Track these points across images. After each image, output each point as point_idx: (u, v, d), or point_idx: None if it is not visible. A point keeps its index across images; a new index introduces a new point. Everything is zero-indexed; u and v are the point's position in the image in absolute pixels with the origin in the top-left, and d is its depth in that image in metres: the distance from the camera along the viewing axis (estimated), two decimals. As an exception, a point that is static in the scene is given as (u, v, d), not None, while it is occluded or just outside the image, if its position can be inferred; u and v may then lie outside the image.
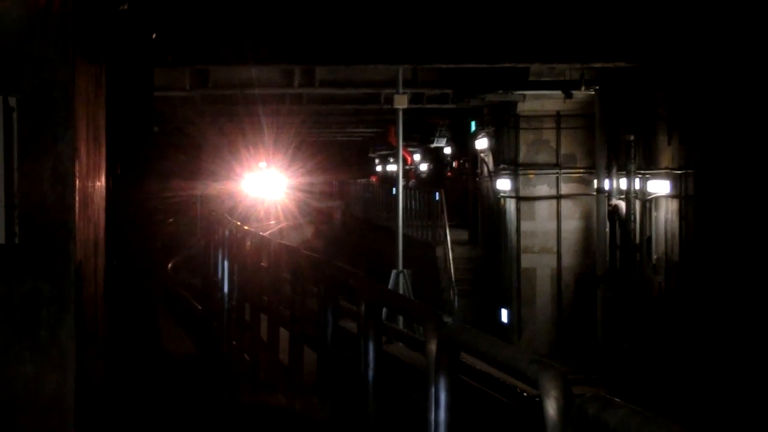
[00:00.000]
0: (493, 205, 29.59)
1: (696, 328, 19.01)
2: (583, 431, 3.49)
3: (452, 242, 30.36)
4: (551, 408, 3.73)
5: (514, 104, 26.95)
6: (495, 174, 29.11)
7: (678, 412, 18.49)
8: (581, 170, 26.65)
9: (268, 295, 11.41)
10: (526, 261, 26.95)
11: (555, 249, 26.82)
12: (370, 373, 6.71)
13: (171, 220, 52.96)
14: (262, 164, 60.85)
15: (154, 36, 11.81)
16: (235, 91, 27.52)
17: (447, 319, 5.37)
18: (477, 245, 32.36)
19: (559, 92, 25.22)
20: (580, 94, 24.91)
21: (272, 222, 56.24)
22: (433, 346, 5.10)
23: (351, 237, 52.00)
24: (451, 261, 29.29)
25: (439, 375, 4.97)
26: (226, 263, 14.86)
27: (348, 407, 7.69)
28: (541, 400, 3.76)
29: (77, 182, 5.90)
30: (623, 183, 22.73)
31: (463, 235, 34.68)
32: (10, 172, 5.66)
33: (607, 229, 23.66)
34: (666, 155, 20.75)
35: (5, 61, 5.71)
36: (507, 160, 27.98)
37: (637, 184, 22.10)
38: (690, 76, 19.52)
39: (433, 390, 4.99)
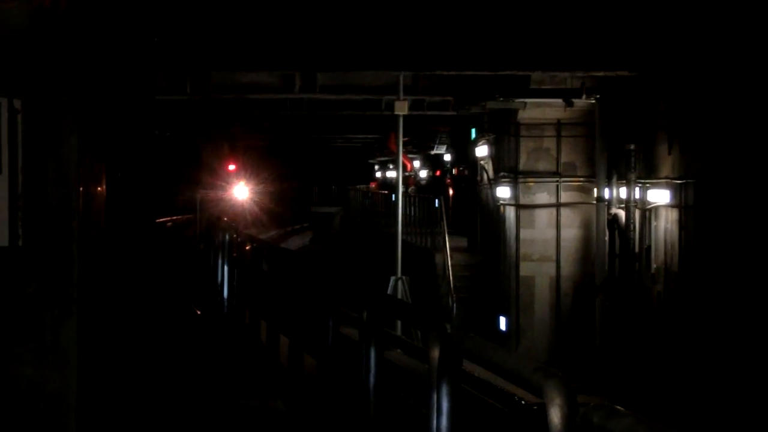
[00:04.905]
0: (493, 212, 29.58)
1: (694, 338, 19.01)
2: (587, 440, 3.49)
3: (451, 249, 30.34)
4: (555, 416, 3.73)
5: (515, 112, 26.95)
6: (495, 181, 29.09)
7: (677, 422, 18.48)
8: (581, 179, 26.63)
9: (268, 301, 11.43)
10: (525, 269, 26.93)
11: (554, 257, 26.79)
12: (372, 379, 6.72)
13: (170, 223, 52.95)
14: (260, 169, 60.88)
15: (155, 40, 11.82)
16: (236, 96, 27.54)
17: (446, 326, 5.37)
18: (476, 252, 32.33)
19: (559, 100, 25.21)
20: (580, 102, 24.91)
21: (272, 226, 56.26)
22: (435, 353, 5.11)
23: (350, 242, 51.97)
24: (450, 268, 29.27)
25: (441, 382, 4.98)
26: (225, 268, 14.89)
27: (348, 413, 7.69)
28: (546, 408, 3.77)
29: (80, 185, 5.89)
30: (623, 192, 22.72)
31: (462, 242, 34.67)
32: (15, 175, 5.64)
33: (607, 238, 23.65)
34: (666, 164, 20.75)
35: (11, 62, 5.69)
36: (507, 167, 27.96)
37: (637, 193, 22.10)
38: (691, 85, 19.53)
39: (435, 397, 4.99)
